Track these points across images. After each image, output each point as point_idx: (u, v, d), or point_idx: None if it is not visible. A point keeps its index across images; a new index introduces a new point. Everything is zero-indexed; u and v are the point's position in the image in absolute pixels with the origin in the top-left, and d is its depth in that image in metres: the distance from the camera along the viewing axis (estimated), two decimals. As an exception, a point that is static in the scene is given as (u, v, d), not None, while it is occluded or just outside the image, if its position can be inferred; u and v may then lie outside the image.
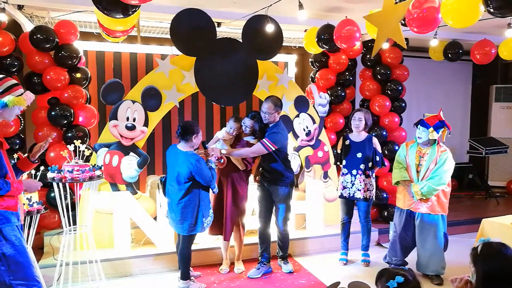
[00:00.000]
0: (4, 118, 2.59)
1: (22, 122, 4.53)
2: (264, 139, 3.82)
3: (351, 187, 4.27)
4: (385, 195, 5.48)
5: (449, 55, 5.66)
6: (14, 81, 2.58)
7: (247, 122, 3.95)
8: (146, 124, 4.39)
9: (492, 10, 3.00)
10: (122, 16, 3.29)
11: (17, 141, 4.38)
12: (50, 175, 3.34)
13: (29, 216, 3.32)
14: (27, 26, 4.53)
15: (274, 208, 4.09)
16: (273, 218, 4.16)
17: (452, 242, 4.10)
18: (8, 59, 4.23)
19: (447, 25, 3.48)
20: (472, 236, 4.13)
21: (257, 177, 4.13)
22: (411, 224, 3.98)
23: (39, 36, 4.21)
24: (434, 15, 3.26)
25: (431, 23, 3.32)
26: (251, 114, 3.98)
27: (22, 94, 2.57)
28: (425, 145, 3.89)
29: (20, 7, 4.31)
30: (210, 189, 3.64)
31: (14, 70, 4.27)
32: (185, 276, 3.70)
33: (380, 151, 4.32)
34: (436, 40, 5.05)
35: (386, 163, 4.42)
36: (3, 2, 3.95)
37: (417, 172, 3.88)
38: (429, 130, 3.78)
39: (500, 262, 1.97)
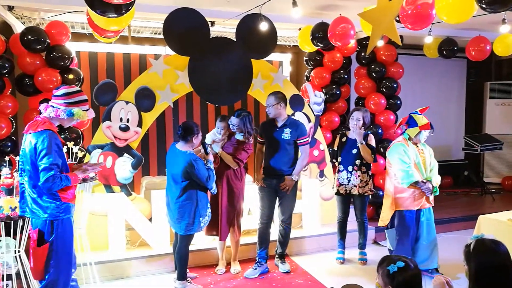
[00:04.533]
0: (62, 123, 2.88)
1: (14, 124, 4.47)
2: (304, 139, 3.99)
3: (348, 184, 4.26)
4: (381, 193, 5.46)
5: (444, 52, 5.66)
6: (85, 97, 2.87)
7: (234, 121, 3.91)
8: (140, 124, 4.35)
9: (484, 5, 3.00)
10: (115, 15, 3.26)
11: (9, 144, 4.32)
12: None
13: (21, 220, 3.27)
14: (18, 27, 4.48)
15: (279, 204, 4.10)
16: (274, 215, 4.18)
17: (449, 239, 4.10)
18: (-1, 61, 4.17)
19: (441, 22, 3.47)
20: (469, 233, 4.13)
21: (259, 178, 4.07)
22: (417, 224, 3.91)
23: (30, 37, 4.15)
24: (428, 11, 3.25)
25: (425, 20, 3.31)
26: (237, 113, 3.92)
27: (87, 110, 2.85)
28: (418, 142, 3.92)
29: (10, 8, 4.26)
30: (208, 190, 3.61)
31: (5, 71, 4.21)
32: (182, 276, 3.68)
33: (374, 146, 4.30)
34: (431, 37, 5.04)
35: (377, 158, 4.38)
36: (-7, 3, 3.90)
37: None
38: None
39: (492, 258, 1.96)
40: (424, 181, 3.80)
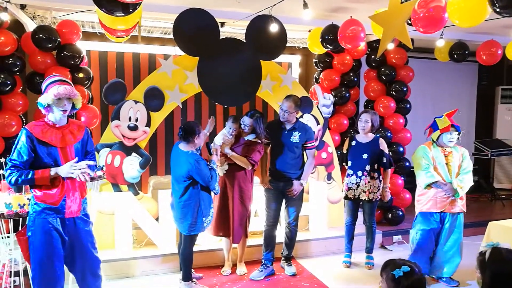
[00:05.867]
0: (52, 113, 2.75)
1: (24, 121, 4.51)
2: (311, 143, 4.01)
3: (356, 189, 4.22)
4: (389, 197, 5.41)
5: (455, 56, 5.60)
6: (50, 80, 2.75)
7: (247, 121, 3.90)
8: (148, 124, 4.37)
9: (498, 9, 2.96)
10: (122, 14, 3.27)
11: (19, 141, 4.35)
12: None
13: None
14: (30, 26, 4.52)
15: (285, 206, 4.09)
16: (281, 217, 4.18)
17: (458, 245, 4.05)
18: (11, 59, 4.20)
19: (453, 25, 3.43)
20: (478, 239, 4.06)
21: (266, 181, 4.06)
22: (439, 229, 3.82)
23: (41, 35, 4.18)
24: (440, 14, 3.21)
25: (437, 23, 3.27)
26: (250, 113, 3.93)
27: (56, 89, 2.69)
28: (444, 145, 3.82)
29: (22, 7, 4.30)
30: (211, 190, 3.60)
31: (16, 69, 4.25)
32: (187, 277, 3.67)
33: (387, 152, 4.26)
34: (442, 40, 4.98)
35: (393, 164, 4.33)
36: (6, 1, 3.94)
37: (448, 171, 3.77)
38: (457, 133, 3.77)
39: (509, 268, 1.92)
40: (445, 182, 3.72)
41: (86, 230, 2.85)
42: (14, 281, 3.47)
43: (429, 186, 3.76)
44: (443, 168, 3.76)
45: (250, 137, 3.97)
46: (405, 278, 1.83)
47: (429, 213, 3.80)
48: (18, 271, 3.44)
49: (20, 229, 2.84)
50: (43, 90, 2.75)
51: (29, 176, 2.62)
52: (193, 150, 3.53)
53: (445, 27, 3.56)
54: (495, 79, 8.03)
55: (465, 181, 3.75)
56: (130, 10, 3.24)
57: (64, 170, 2.67)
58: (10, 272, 3.38)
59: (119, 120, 4.26)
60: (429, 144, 3.87)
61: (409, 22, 3.42)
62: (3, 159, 3.53)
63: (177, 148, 3.59)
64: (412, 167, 4.00)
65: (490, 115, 8.05)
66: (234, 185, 3.93)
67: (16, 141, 2.70)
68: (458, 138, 3.81)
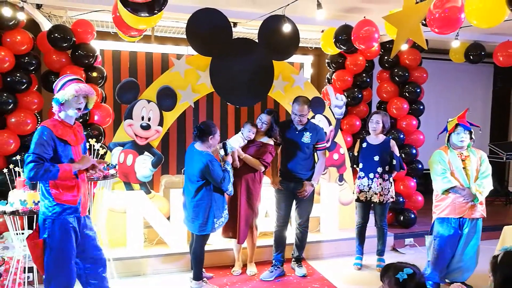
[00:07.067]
0: (65, 111, 2.76)
1: (39, 120, 4.57)
2: (322, 144, 4.01)
3: (368, 191, 4.19)
4: (401, 200, 5.37)
5: (471, 57, 5.51)
6: (68, 78, 2.78)
7: (264, 118, 3.91)
8: (161, 123, 4.39)
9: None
10: (147, 14, 3.28)
11: (34, 139, 4.41)
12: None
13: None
14: (45, 25, 4.57)
15: (296, 207, 4.07)
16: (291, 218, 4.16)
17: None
18: (26, 58, 4.26)
19: (468, 26, 3.39)
20: (492, 243, 4.01)
21: (277, 181, 4.05)
22: (458, 235, 3.68)
23: (56, 35, 4.24)
24: (456, 15, 3.16)
25: (453, 24, 3.23)
26: (267, 110, 3.96)
27: (73, 85, 2.74)
28: (463, 148, 3.69)
29: (38, 6, 4.36)
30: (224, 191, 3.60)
31: (32, 68, 4.31)
32: (198, 276, 3.68)
33: (398, 154, 4.22)
34: (458, 41, 4.91)
35: (404, 167, 4.28)
36: (22, 1, 3.99)
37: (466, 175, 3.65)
38: (468, 132, 3.62)
39: None
40: (463, 187, 3.59)
41: (90, 226, 2.92)
42: (28, 277, 3.52)
43: (446, 191, 3.63)
44: (461, 173, 3.63)
45: (264, 139, 3.97)
46: (410, 280, 1.84)
47: (447, 219, 3.68)
48: (32, 267, 3.48)
49: (33, 229, 2.85)
50: (58, 88, 2.77)
51: (55, 167, 2.58)
52: (208, 151, 3.53)
53: (460, 27, 3.51)
54: (511, 81, 7.89)
55: (484, 186, 3.62)
56: (156, 11, 3.25)
57: (83, 161, 2.75)
58: (24, 268, 3.43)
59: (132, 119, 4.29)
60: (445, 148, 3.73)
61: (424, 22, 3.39)
62: (18, 157, 3.59)
63: (193, 148, 3.59)
64: (425, 169, 3.93)
65: (505, 118, 7.93)
66: (242, 186, 3.92)
67: (36, 137, 2.63)
68: (471, 137, 3.69)
